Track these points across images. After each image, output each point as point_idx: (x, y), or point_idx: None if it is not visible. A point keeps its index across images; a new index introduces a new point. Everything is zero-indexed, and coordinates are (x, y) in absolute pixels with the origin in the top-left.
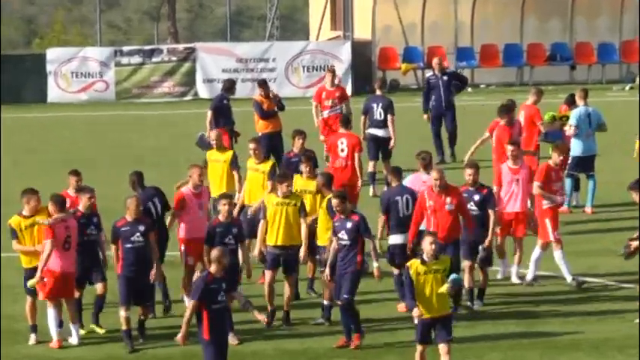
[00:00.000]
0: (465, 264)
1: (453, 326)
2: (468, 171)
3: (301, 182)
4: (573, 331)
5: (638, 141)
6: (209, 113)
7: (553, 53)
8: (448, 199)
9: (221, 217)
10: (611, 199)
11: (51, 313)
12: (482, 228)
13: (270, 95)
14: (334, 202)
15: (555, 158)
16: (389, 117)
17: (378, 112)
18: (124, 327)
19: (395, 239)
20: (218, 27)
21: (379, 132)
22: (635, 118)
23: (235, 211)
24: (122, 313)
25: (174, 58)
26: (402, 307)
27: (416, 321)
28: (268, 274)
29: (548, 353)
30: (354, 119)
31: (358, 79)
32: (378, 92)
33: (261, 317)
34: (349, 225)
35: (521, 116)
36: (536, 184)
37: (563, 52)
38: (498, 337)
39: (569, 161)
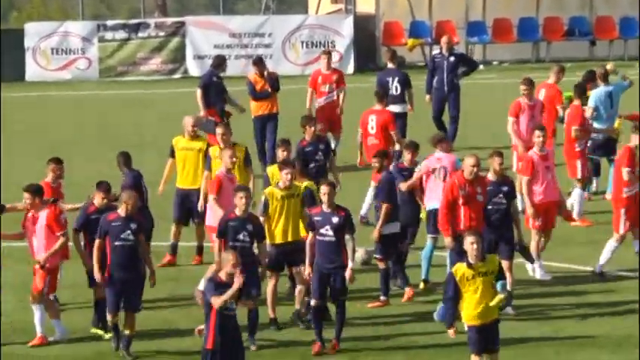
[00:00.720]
0: (505, 264)
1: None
2: (497, 160)
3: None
4: (591, 327)
5: (618, 119)
6: (199, 92)
7: (571, 28)
8: (479, 189)
9: (237, 212)
10: None
11: (42, 309)
12: (508, 222)
13: (265, 74)
14: (325, 189)
15: (636, 140)
16: (406, 91)
17: (393, 87)
18: (110, 324)
19: (392, 228)
20: None
21: (396, 108)
22: None
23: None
24: (109, 318)
25: (162, 33)
26: (374, 304)
27: (450, 332)
28: (273, 278)
29: (563, 350)
30: (356, 100)
31: (361, 56)
32: (391, 65)
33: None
34: (335, 220)
35: (540, 95)
36: (625, 170)
37: (582, 26)
38: (511, 332)
39: (589, 144)
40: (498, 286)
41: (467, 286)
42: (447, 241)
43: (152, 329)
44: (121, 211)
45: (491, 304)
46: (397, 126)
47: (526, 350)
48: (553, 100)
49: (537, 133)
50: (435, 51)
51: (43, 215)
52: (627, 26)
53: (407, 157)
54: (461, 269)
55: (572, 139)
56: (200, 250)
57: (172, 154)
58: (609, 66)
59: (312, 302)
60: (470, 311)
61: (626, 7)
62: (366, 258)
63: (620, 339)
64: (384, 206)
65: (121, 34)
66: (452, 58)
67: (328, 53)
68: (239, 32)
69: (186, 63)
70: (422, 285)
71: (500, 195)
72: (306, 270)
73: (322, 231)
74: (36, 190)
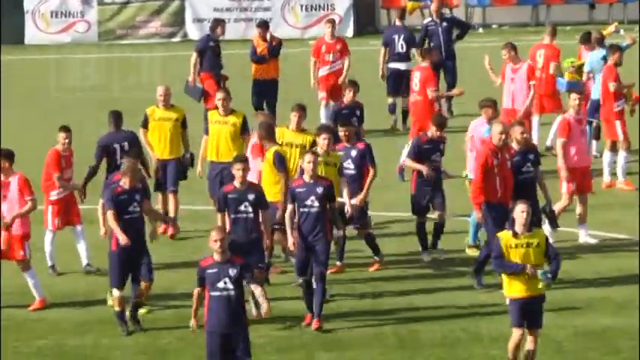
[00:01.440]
0: None
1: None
2: (519, 129)
3: (289, 135)
4: (590, 291)
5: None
6: (194, 55)
7: None
8: (507, 156)
9: (236, 183)
10: (634, 146)
11: (34, 274)
12: (534, 191)
13: (268, 39)
14: (310, 158)
15: None
16: (412, 50)
17: (399, 45)
18: (117, 308)
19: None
20: None
21: (401, 65)
22: None
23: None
24: (115, 293)
25: None
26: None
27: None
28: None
29: (563, 314)
30: (356, 63)
31: (360, 19)
32: (398, 23)
33: (259, 312)
34: (320, 190)
35: (539, 56)
36: None
37: None
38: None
39: (588, 106)
40: (540, 273)
41: (509, 255)
42: (478, 213)
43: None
44: (124, 183)
45: (538, 287)
46: (402, 84)
47: None
48: (550, 59)
49: (574, 96)
50: (426, 19)
51: (14, 180)
52: None
53: (432, 130)
54: (506, 236)
55: (611, 101)
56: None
57: (145, 125)
58: (612, 27)
59: (299, 280)
60: (511, 283)
61: None
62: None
63: (621, 302)
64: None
65: None
66: (444, 24)
67: (332, 22)
68: None
69: (186, 26)
70: (470, 250)
71: (528, 164)
72: (289, 241)
73: (307, 202)
74: (7, 155)
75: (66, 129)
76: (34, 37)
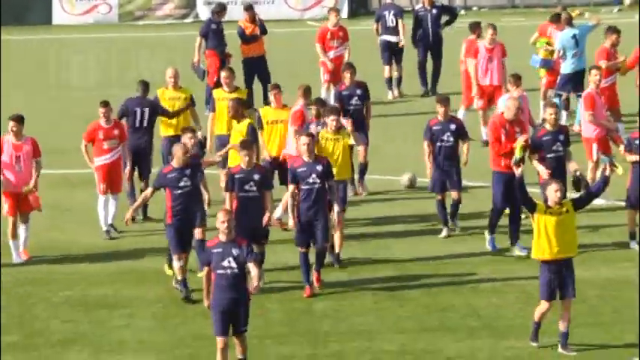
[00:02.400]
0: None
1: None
2: (550, 110)
3: (272, 113)
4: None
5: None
6: (198, 39)
7: None
8: (517, 129)
9: (243, 165)
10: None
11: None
12: (563, 170)
13: (256, 20)
14: (305, 140)
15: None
16: (400, 22)
17: (390, 19)
18: (179, 276)
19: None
20: None
21: (392, 38)
22: (624, 39)
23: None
24: (175, 263)
25: None
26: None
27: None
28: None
29: (533, 264)
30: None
31: (354, 2)
32: (389, 0)
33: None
34: (320, 168)
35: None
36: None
37: None
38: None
39: (558, 80)
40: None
41: (542, 220)
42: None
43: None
44: (174, 163)
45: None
46: (393, 53)
47: (502, 267)
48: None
49: (594, 72)
50: (417, 6)
51: (28, 142)
52: None
53: (439, 110)
54: (541, 206)
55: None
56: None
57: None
58: (577, 11)
59: (300, 250)
60: (542, 246)
61: None
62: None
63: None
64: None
65: None
66: (434, 11)
67: (336, 11)
68: None
69: (197, 8)
70: None
71: (558, 143)
72: (290, 221)
73: (310, 180)
74: (18, 119)
75: (104, 103)
76: (61, 18)
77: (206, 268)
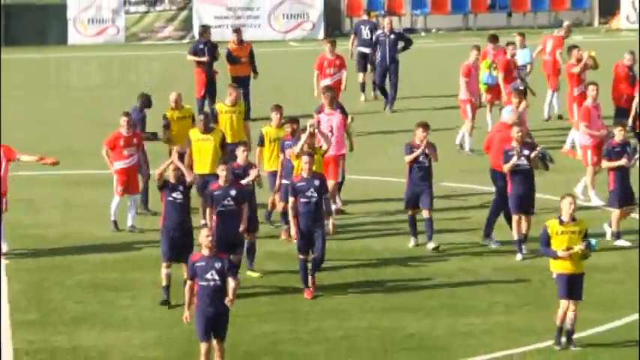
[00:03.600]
0: (516, 218)
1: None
2: (515, 129)
3: (273, 132)
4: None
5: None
6: (188, 57)
7: (493, 2)
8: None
9: (220, 182)
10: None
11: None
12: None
13: (243, 42)
14: (307, 159)
15: None
16: (374, 36)
17: (365, 33)
18: (164, 282)
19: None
20: None
21: (366, 49)
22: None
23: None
24: (163, 270)
25: (174, 7)
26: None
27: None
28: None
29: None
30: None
31: (329, 24)
32: (365, 17)
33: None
34: (317, 183)
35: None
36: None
37: (502, 1)
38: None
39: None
40: (592, 241)
41: (556, 239)
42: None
43: None
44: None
45: (575, 248)
46: (367, 63)
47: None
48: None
49: (591, 87)
50: (378, 31)
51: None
52: (537, 1)
53: (419, 135)
54: (553, 224)
55: (572, 87)
56: None
57: (168, 126)
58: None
59: (300, 256)
60: (559, 261)
61: None
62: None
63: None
64: None
65: (142, 8)
66: (392, 36)
67: (333, 42)
68: (234, 6)
69: (193, 31)
70: None
71: (522, 158)
72: (292, 230)
73: (308, 194)
74: None
75: (126, 113)
76: (75, 39)
77: (189, 282)
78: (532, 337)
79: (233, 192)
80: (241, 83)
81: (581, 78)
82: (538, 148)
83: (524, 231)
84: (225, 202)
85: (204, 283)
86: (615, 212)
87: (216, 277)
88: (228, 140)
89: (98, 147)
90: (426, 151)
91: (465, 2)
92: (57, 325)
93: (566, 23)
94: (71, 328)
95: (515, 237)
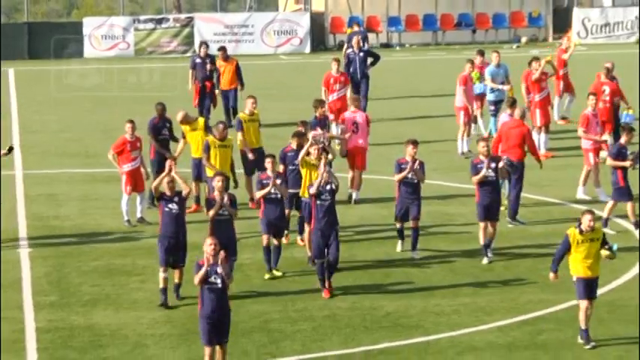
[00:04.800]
0: (482, 225)
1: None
2: (482, 143)
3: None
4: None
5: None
6: (190, 71)
7: (459, 21)
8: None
9: (216, 193)
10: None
11: None
12: (497, 194)
13: (228, 59)
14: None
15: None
16: (366, 44)
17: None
18: (161, 285)
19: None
20: (211, 1)
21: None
22: (520, 69)
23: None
24: (161, 274)
25: (178, 25)
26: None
27: (551, 276)
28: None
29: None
30: (312, 69)
31: (315, 40)
32: (356, 28)
33: None
34: (328, 187)
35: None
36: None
37: (467, 20)
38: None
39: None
40: (614, 246)
41: (576, 247)
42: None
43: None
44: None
45: (603, 254)
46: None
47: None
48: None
49: (591, 97)
50: (349, 50)
51: None
52: (498, 19)
53: (408, 151)
54: (574, 234)
55: (534, 93)
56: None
57: (184, 136)
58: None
59: (316, 260)
60: (577, 267)
61: (498, 6)
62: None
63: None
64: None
65: (150, 25)
66: (361, 54)
67: (338, 60)
68: (231, 24)
69: (195, 46)
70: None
71: (490, 170)
72: (306, 231)
73: (323, 197)
74: None
75: (130, 121)
76: (90, 52)
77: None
78: (494, 316)
79: (227, 202)
80: (229, 96)
81: (541, 85)
82: (503, 159)
83: (490, 240)
84: (221, 211)
85: (207, 286)
86: (610, 204)
87: (218, 281)
88: (252, 145)
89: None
90: (415, 170)
91: (434, 21)
92: (74, 306)
93: (524, 39)
94: (87, 308)
95: (482, 242)
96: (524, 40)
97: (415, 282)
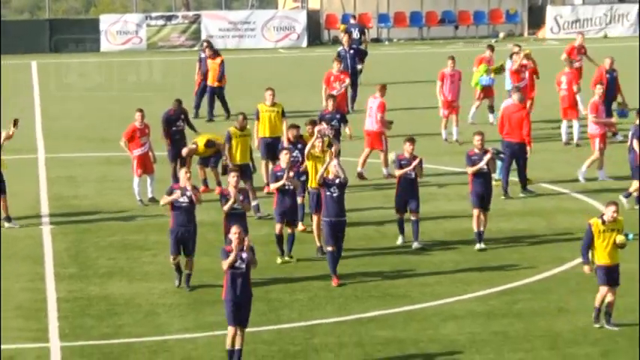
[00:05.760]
0: (475, 212)
1: None
2: (477, 137)
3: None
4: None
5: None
6: (197, 64)
7: (443, 17)
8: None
9: (231, 189)
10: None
11: None
12: (489, 185)
13: (216, 52)
14: (334, 163)
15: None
16: (362, 36)
17: (355, 33)
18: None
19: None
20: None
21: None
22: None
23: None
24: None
25: (186, 21)
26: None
27: (585, 269)
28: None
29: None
30: (309, 63)
31: (311, 35)
32: (352, 21)
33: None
34: (338, 181)
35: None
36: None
37: (450, 16)
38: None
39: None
40: (630, 235)
41: (599, 236)
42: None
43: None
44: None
45: (617, 240)
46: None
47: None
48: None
49: (598, 86)
50: (340, 48)
51: None
52: (478, 16)
53: (406, 148)
54: (597, 224)
55: (513, 82)
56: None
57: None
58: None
59: (329, 248)
60: (600, 255)
61: (478, 4)
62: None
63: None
64: None
65: (160, 22)
66: (351, 51)
67: (339, 60)
68: (235, 21)
69: (201, 40)
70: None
71: (482, 163)
72: (314, 222)
73: (331, 189)
74: None
75: (140, 110)
76: (107, 47)
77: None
78: (474, 287)
79: (241, 197)
80: (215, 91)
81: (520, 76)
82: (490, 151)
83: (482, 227)
84: (235, 205)
85: (232, 271)
86: (636, 184)
87: (242, 266)
88: (266, 134)
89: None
90: (414, 166)
91: (420, 18)
92: (92, 277)
93: (501, 34)
94: (104, 279)
95: (475, 229)
96: (502, 35)
97: (402, 255)
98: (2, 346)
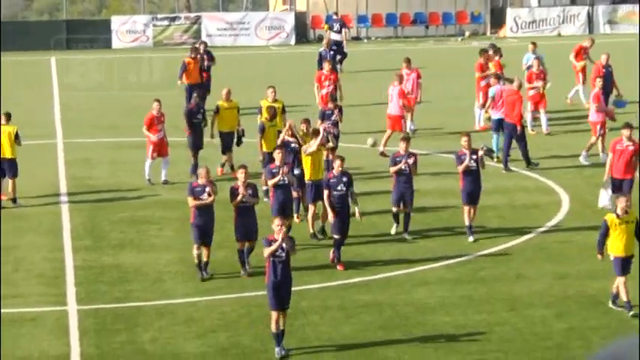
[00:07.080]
0: (466, 208)
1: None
2: (464, 138)
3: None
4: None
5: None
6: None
7: (415, 18)
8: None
9: (240, 182)
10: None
11: None
12: (478, 182)
13: (198, 57)
14: (339, 162)
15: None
16: (343, 30)
17: (336, 26)
18: (195, 260)
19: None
20: (215, 3)
21: (337, 37)
22: (466, 60)
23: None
24: (195, 251)
25: (188, 22)
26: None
27: (598, 257)
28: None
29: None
30: (297, 60)
31: (299, 34)
32: (335, 17)
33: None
34: (345, 179)
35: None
36: None
37: (422, 17)
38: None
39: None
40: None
41: (614, 229)
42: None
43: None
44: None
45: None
46: (337, 49)
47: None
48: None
49: (598, 80)
50: (320, 49)
51: None
52: (447, 17)
53: (402, 146)
54: (612, 219)
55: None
56: (223, 165)
57: (217, 111)
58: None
59: (336, 236)
60: (615, 247)
61: (446, 6)
62: (372, 142)
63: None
64: None
65: (165, 22)
66: (331, 52)
67: (329, 61)
68: (231, 21)
69: (202, 39)
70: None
71: (472, 161)
72: (330, 215)
73: (338, 188)
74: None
75: (157, 100)
76: (117, 44)
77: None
78: (443, 256)
79: (250, 191)
80: (195, 88)
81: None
82: (481, 148)
83: (471, 221)
84: (245, 199)
85: (274, 259)
86: None
87: (283, 255)
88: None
89: (134, 122)
90: (409, 162)
91: (395, 18)
92: (105, 248)
93: (467, 33)
94: (116, 250)
95: (466, 223)
96: (467, 34)
97: (380, 230)
98: (26, 309)
